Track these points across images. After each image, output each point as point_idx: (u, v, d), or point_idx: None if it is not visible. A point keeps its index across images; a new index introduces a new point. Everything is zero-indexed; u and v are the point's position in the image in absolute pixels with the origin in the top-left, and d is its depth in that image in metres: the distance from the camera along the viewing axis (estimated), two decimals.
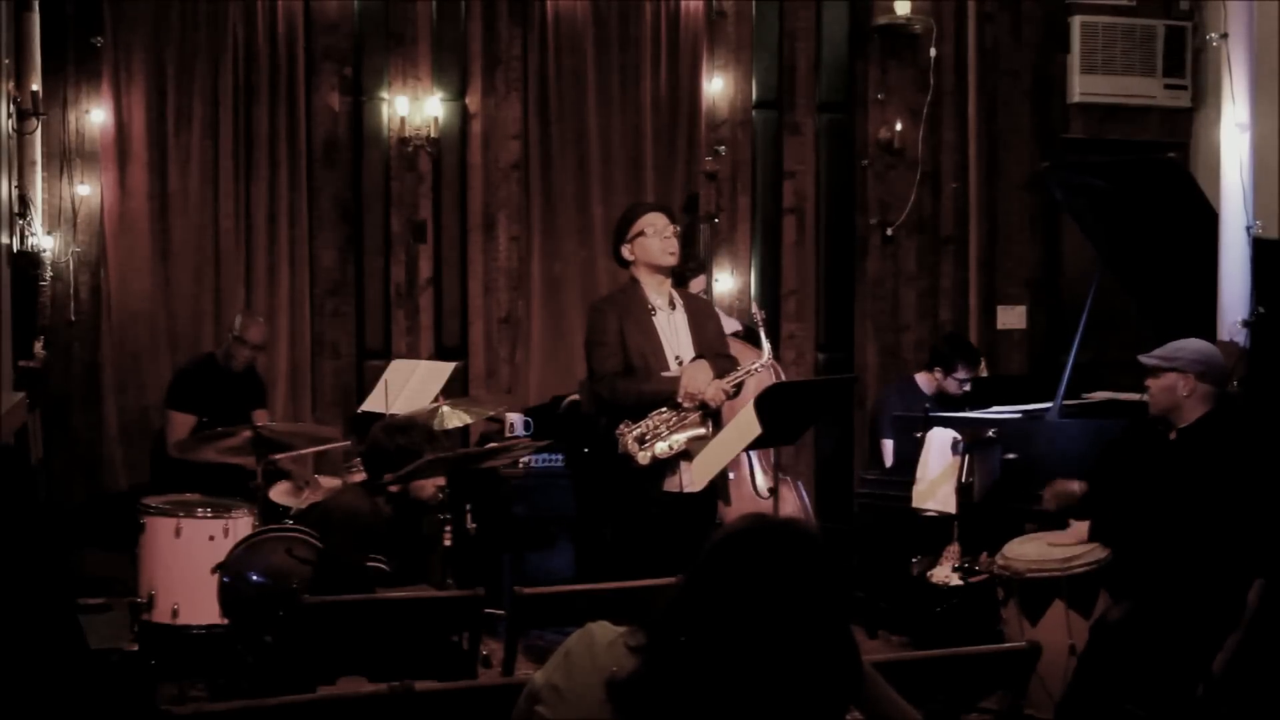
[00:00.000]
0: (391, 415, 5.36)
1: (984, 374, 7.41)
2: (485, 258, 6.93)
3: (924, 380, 6.74)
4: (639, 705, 1.89)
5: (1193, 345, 4.54)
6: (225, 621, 4.89)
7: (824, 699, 1.88)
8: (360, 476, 4.88)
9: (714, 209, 6.50)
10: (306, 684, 3.65)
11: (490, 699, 2.64)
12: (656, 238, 4.91)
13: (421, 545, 4.63)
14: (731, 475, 5.36)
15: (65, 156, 6.37)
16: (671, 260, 4.99)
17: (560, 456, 6.24)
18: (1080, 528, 4.65)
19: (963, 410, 6.05)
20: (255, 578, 4.72)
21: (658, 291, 4.97)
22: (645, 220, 4.93)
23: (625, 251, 4.99)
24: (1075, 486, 4.77)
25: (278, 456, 5.60)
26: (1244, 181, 5.32)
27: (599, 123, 7.01)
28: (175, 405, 6.04)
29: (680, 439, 4.80)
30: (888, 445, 6.55)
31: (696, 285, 6.07)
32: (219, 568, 4.82)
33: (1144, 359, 4.54)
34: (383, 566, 4.25)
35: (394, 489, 4.27)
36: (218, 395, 6.01)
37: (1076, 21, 7.41)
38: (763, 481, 5.83)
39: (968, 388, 6.67)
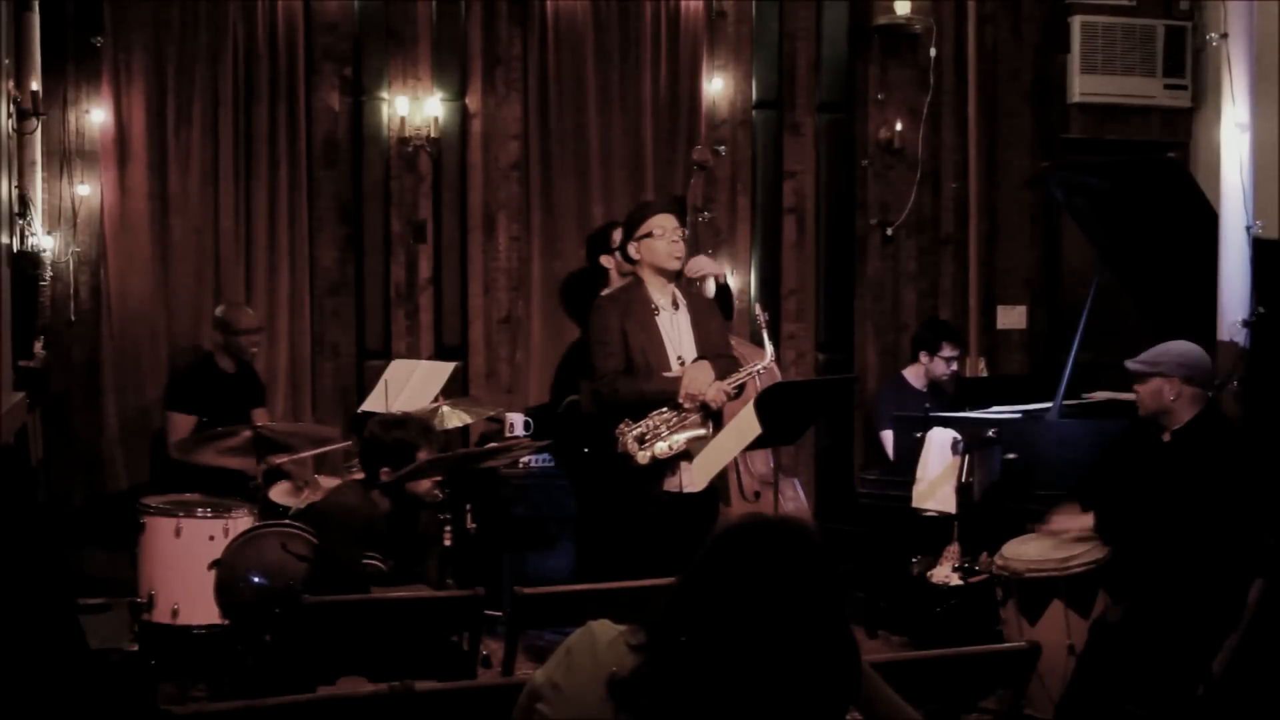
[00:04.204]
0: (388, 412, 5.37)
1: (984, 374, 7.44)
2: (485, 258, 6.93)
3: (913, 373, 6.82)
4: (640, 703, 1.89)
5: (1176, 349, 4.53)
6: (225, 621, 4.90)
7: (824, 698, 1.88)
8: (360, 476, 4.89)
9: (700, 202, 6.44)
10: (306, 684, 3.65)
11: (490, 699, 2.64)
12: (664, 240, 4.92)
13: (418, 544, 4.63)
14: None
15: (65, 156, 6.36)
16: (677, 264, 5.00)
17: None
18: (1073, 519, 4.65)
19: (962, 410, 6.06)
20: (251, 574, 4.73)
21: (661, 291, 4.97)
22: (654, 222, 4.94)
23: (632, 250, 5.00)
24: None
25: (278, 461, 5.60)
26: (1244, 181, 5.32)
27: (599, 123, 7.01)
28: (175, 406, 6.04)
29: (680, 439, 4.80)
30: (887, 436, 6.58)
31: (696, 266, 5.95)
32: (215, 564, 4.83)
33: (1129, 365, 4.56)
34: (380, 565, 4.25)
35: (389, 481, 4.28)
36: (217, 395, 6.01)
37: (1076, 21, 7.41)
38: (748, 484, 5.84)
39: (955, 367, 6.74)
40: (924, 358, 6.77)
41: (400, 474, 4.26)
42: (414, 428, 4.38)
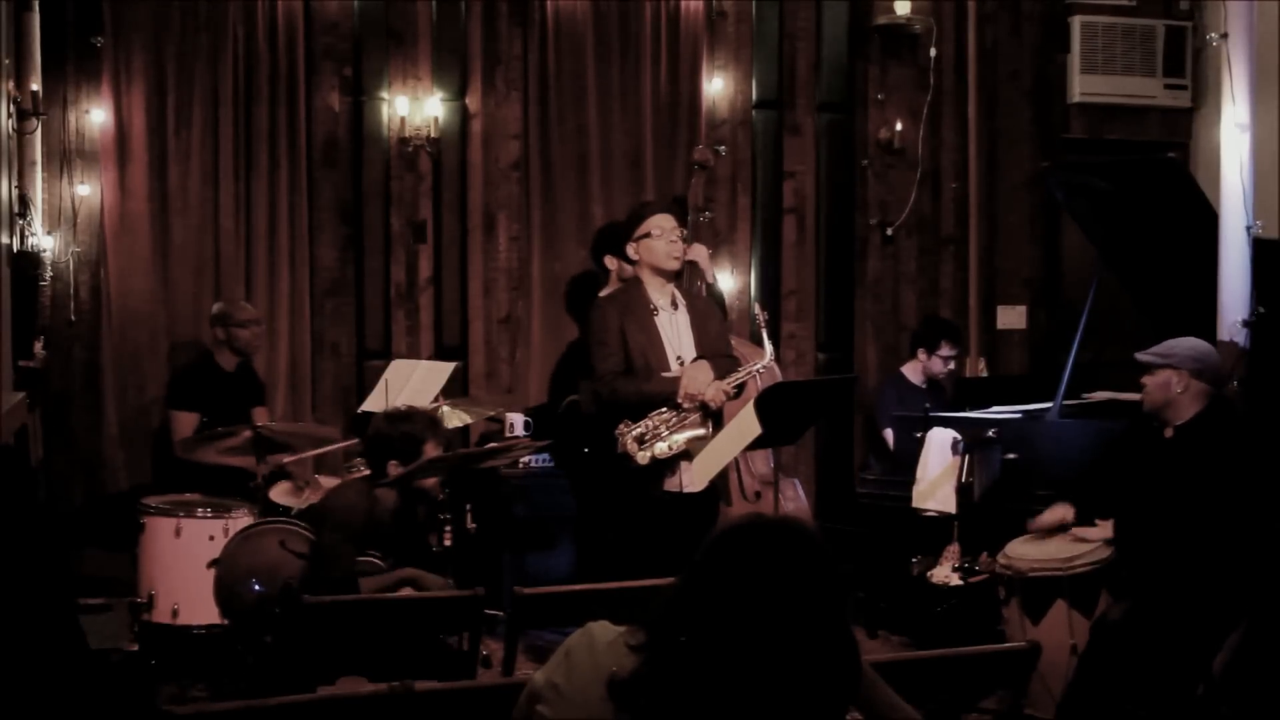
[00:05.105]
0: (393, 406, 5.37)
1: (984, 374, 7.44)
2: (485, 258, 6.92)
3: (911, 370, 6.84)
4: (639, 704, 1.89)
5: (1188, 343, 4.56)
6: (225, 621, 4.90)
7: (824, 699, 1.88)
8: (359, 475, 4.89)
9: (700, 202, 6.36)
10: (306, 684, 3.65)
11: (490, 699, 2.64)
12: (663, 240, 4.92)
13: (418, 537, 4.62)
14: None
15: (65, 156, 6.36)
16: (675, 265, 5.00)
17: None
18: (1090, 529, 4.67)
19: (962, 410, 6.06)
20: (251, 576, 4.74)
21: (660, 291, 4.98)
22: (653, 222, 4.94)
23: (630, 250, 5.01)
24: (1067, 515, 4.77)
25: (277, 461, 5.60)
26: (1244, 181, 5.32)
27: (599, 123, 7.00)
28: (177, 405, 6.03)
29: (680, 439, 4.80)
30: (889, 434, 6.59)
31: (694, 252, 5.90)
32: (214, 563, 4.83)
33: (1140, 356, 4.57)
34: (378, 563, 4.24)
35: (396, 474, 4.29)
36: (217, 393, 6.00)
37: (1076, 21, 7.41)
38: (748, 484, 5.84)
39: (952, 366, 6.76)
40: (922, 355, 6.80)
41: (408, 470, 4.26)
42: (420, 421, 4.39)
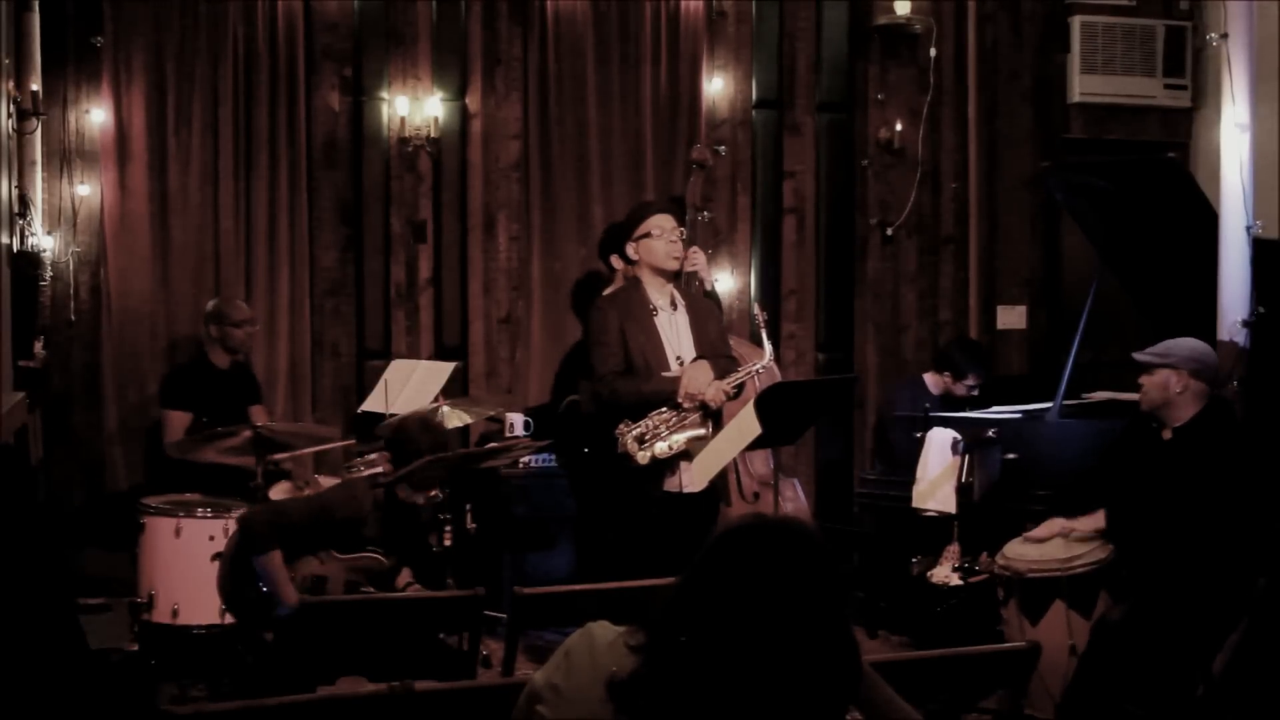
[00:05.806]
0: (434, 411, 5.37)
1: None
2: (485, 258, 6.92)
3: (931, 381, 6.76)
4: (639, 705, 1.89)
5: (1187, 344, 4.56)
6: (226, 620, 4.90)
7: (824, 698, 1.88)
8: (359, 474, 4.90)
9: (700, 201, 6.27)
10: (306, 684, 3.65)
11: (490, 699, 2.65)
12: (662, 240, 4.93)
13: (418, 533, 4.60)
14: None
15: (65, 156, 6.35)
16: (675, 264, 5.01)
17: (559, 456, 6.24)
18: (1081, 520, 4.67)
19: (963, 410, 6.06)
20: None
21: (660, 292, 4.98)
22: (653, 222, 4.95)
23: (630, 250, 5.01)
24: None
25: (278, 456, 5.60)
26: (1244, 181, 5.33)
27: (599, 122, 7.00)
28: (170, 404, 6.02)
29: (680, 439, 4.81)
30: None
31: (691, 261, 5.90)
32: (217, 556, 4.83)
33: (1138, 356, 4.57)
34: (380, 558, 4.24)
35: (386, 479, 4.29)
36: (212, 392, 6.00)
37: (1076, 21, 7.41)
38: (747, 484, 5.84)
39: (975, 393, 6.67)
40: (947, 377, 6.63)
41: (398, 474, 4.25)
42: (427, 441, 4.33)
